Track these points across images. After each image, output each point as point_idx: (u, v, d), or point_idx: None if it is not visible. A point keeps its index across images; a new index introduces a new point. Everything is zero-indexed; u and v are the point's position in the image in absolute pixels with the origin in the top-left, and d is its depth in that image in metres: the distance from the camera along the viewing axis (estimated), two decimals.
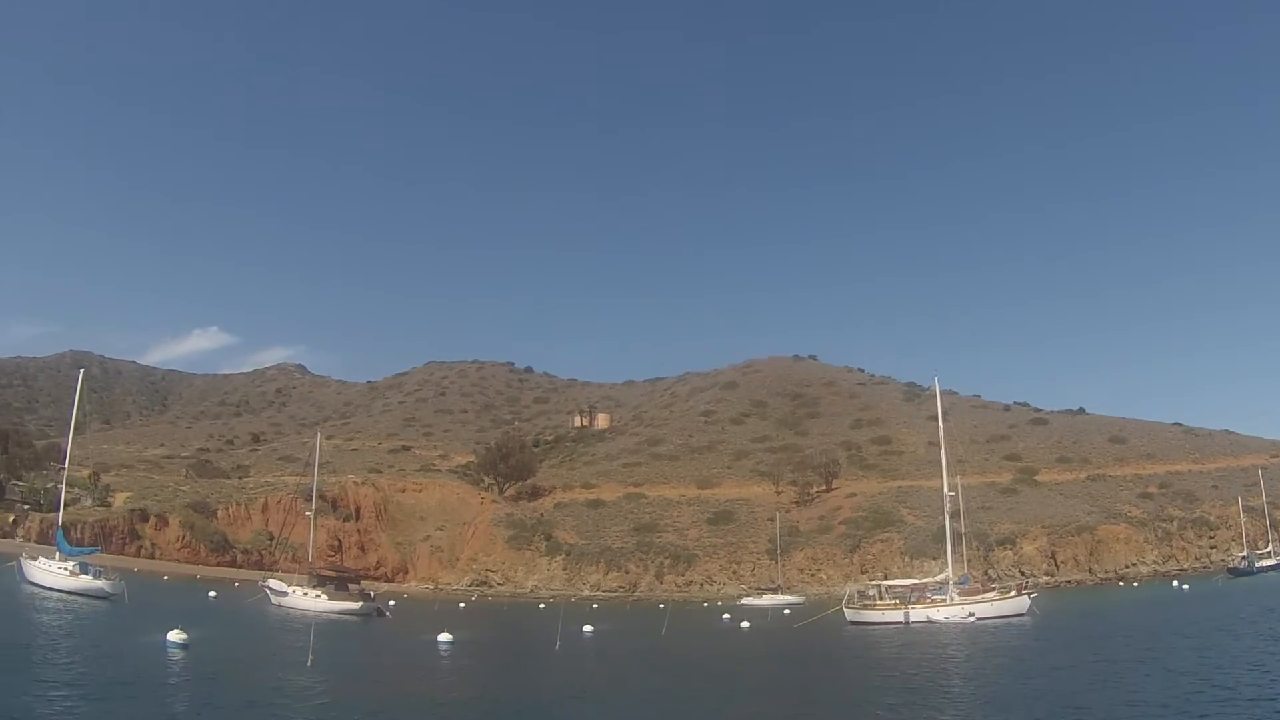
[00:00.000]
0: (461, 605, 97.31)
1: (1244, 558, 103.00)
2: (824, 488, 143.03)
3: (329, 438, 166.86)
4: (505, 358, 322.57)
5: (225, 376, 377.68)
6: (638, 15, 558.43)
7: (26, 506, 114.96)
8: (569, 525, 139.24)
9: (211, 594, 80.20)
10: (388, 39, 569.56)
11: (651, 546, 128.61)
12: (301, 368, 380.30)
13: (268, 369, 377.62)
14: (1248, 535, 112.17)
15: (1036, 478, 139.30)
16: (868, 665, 42.48)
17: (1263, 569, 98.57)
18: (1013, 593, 68.69)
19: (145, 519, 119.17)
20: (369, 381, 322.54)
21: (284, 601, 73.28)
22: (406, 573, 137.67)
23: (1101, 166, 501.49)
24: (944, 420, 76.32)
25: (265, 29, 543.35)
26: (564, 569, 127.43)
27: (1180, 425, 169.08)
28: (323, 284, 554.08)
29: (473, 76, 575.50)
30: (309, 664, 34.14)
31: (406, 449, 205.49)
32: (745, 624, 69.31)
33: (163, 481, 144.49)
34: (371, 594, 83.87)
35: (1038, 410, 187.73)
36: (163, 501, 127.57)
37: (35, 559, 66.20)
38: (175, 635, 36.21)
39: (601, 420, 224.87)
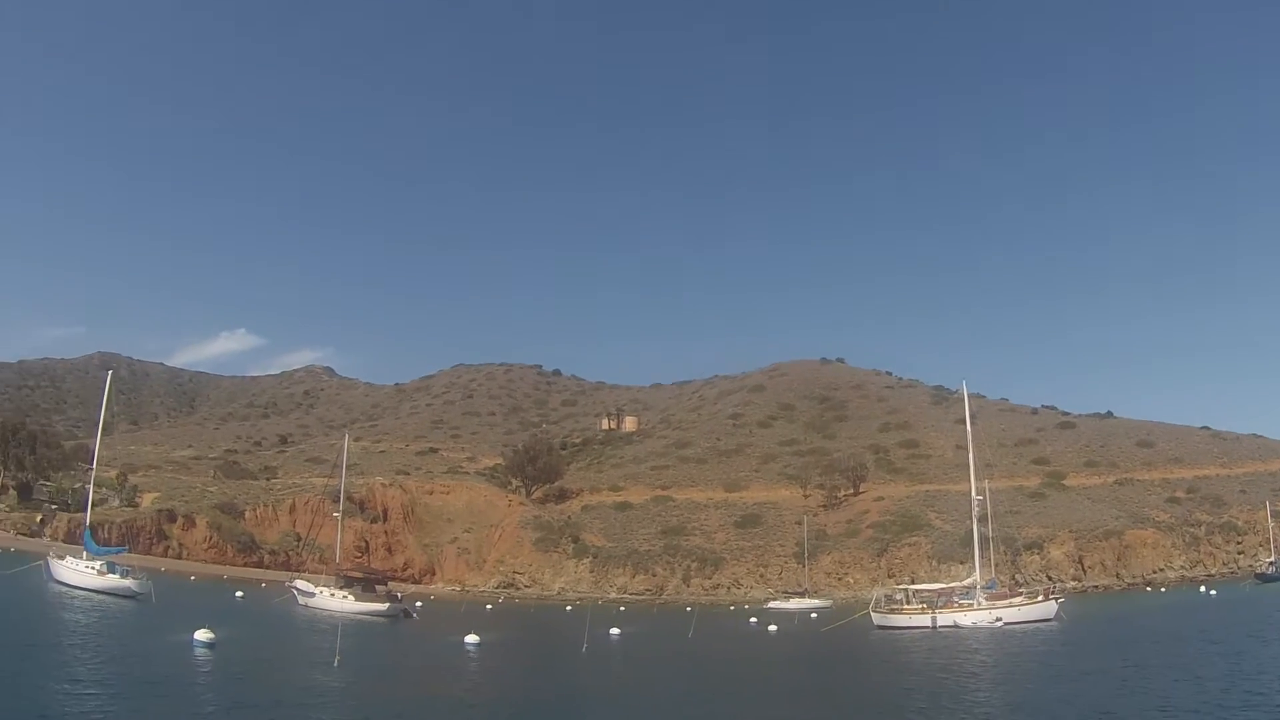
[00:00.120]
0: (488, 607, 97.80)
1: (1272, 563, 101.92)
2: (851, 491, 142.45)
3: (356, 439, 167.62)
4: (533, 360, 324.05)
5: (253, 378, 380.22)
6: (638, 15, 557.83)
7: (54, 506, 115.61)
8: (596, 528, 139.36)
9: (238, 594, 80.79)
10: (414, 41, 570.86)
11: (679, 549, 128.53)
12: (329, 370, 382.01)
13: (295, 371, 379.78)
14: (1276, 541, 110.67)
15: (1064, 482, 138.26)
16: (895, 669, 42.37)
17: None
18: (1040, 597, 68.42)
19: (173, 519, 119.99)
20: (396, 384, 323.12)
21: (311, 602, 73.59)
22: (433, 574, 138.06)
23: (1134, 162, 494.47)
24: (972, 424, 75.89)
25: (300, 31, 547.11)
26: (591, 571, 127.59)
27: (1208, 429, 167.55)
28: (351, 287, 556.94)
29: (510, 80, 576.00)
30: (336, 664, 34.40)
31: (434, 451, 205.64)
32: (772, 627, 69.28)
33: (190, 482, 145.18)
34: (398, 595, 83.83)
35: (1065, 414, 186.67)
36: (190, 502, 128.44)
37: (62, 558, 66.53)
38: (202, 635, 36.39)
39: (629, 423, 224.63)
